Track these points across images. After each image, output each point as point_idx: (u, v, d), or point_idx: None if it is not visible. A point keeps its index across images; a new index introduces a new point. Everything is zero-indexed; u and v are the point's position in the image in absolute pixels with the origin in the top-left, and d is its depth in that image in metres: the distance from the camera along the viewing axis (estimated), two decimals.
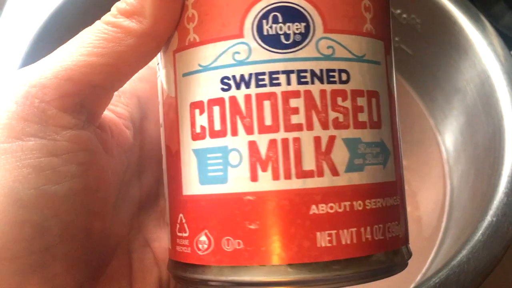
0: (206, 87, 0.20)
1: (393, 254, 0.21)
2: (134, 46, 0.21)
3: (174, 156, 0.21)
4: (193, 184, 0.21)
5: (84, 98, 0.21)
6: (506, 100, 0.41)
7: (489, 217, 0.36)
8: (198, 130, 0.20)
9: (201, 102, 0.20)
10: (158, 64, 0.23)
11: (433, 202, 0.47)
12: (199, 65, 0.20)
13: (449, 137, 0.48)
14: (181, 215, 0.21)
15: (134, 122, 0.25)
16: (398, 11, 0.48)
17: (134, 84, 0.25)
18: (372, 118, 0.21)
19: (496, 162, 0.39)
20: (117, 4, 0.21)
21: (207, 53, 0.20)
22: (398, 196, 0.22)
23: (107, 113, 0.23)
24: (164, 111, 0.22)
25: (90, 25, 0.21)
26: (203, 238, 0.20)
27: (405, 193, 0.23)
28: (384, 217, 0.21)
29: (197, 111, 0.21)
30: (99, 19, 0.21)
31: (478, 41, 0.44)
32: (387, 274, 0.21)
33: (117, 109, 0.24)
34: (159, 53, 0.23)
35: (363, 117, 0.20)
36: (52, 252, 0.20)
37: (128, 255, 0.25)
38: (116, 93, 0.22)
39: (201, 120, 0.20)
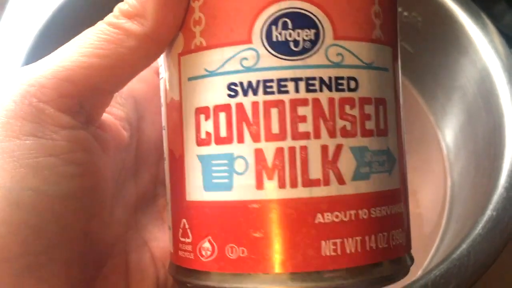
0: (212, 92, 0.20)
1: (397, 262, 0.21)
2: (135, 48, 0.20)
3: (178, 161, 0.21)
4: (197, 190, 0.20)
5: (83, 99, 0.21)
6: (506, 97, 0.41)
7: (489, 211, 0.36)
8: (203, 136, 0.20)
9: (207, 108, 0.20)
10: (161, 65, 0.23)
11: (433, 198, 0.47)
12: (206, 70, 0.20)
13: (450, 134, 0.48)
14: (184, 220, 0.21)
15: (130, 122, 0.25)
16: (399, 9, 0.48)
17: (130, 84, 0.24)
18: (379, 125, 0.21)
19: (496, 158, 0.39)
20: (119, 5, 0.21)
21: (214, 58, 0.20)
22: (402, 203, 0.22)
23: (104, 115, 0.23)
24: (167, 114, 0.22)
25: (92, 24, 0.21)
26: (206, 244, 0.20)
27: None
28: (388, 225, 0.21)
29: (202, 117, 0.20)
30: (101, 18, 0.21)
31: (479, 38, 0.43)
32: (390, 281, 0.21)
33: (113, 110, 0.24)
34: (162, 55, 0.22)
35: (370, 125, 0.20)
36: (49, 254, 0.20)
37: (125, 255, 0.24)
38: None
39: (207, 126, 0.20)
